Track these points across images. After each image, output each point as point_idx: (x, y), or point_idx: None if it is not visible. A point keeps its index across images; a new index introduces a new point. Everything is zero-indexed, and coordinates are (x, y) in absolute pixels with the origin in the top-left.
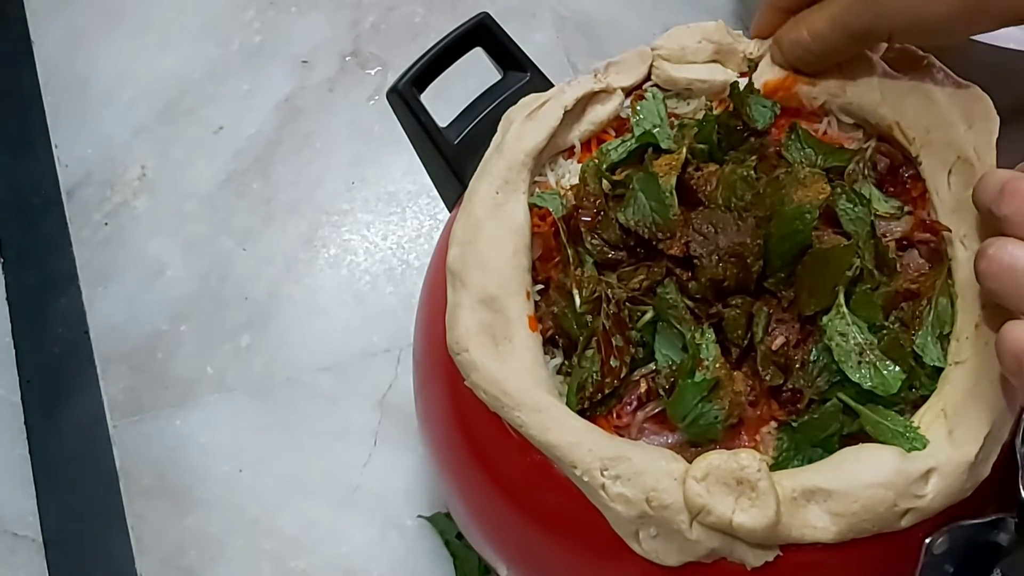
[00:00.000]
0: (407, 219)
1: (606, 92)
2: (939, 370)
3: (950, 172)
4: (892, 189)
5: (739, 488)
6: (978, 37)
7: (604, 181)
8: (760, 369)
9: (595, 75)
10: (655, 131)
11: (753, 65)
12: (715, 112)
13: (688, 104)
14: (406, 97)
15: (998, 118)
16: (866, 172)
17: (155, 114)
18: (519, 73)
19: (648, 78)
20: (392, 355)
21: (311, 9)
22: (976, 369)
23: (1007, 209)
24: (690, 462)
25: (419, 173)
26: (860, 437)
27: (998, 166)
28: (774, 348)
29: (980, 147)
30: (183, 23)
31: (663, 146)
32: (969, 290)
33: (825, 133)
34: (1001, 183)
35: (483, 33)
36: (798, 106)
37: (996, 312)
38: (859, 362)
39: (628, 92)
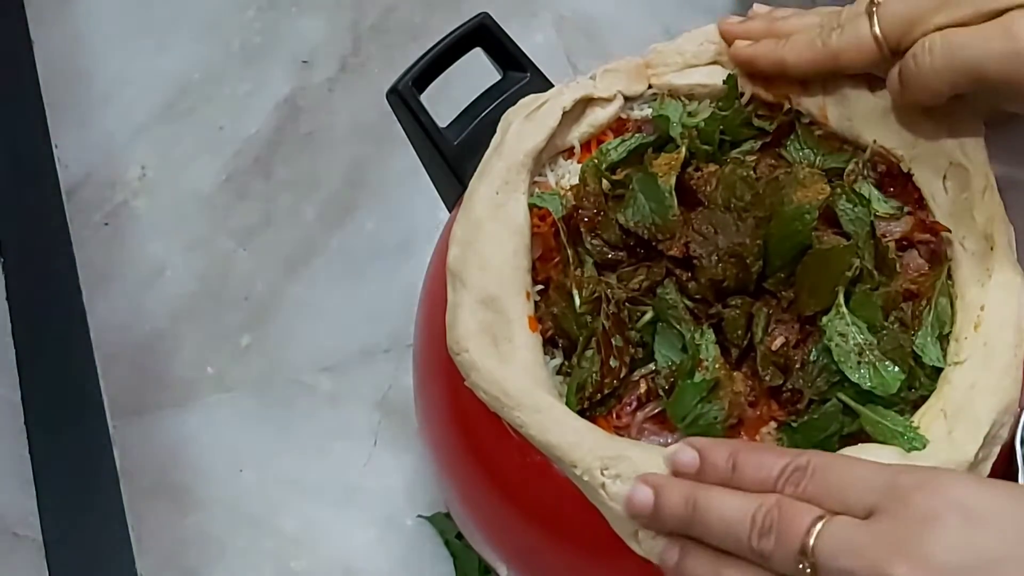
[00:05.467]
0: (407, 219)
1: (605, 98)
2: (939, 370)
3: (944, 177)
4: (892, 190)
5: None
6: None
7: (604, 181)
8: (760, 369)
9: (595, 80)
10: (673, 127)
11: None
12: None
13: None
14: (406, 97)
15: (980, 115)
16: (865, 172)
17: (155, 114)
18: (519, 73)
19: (648, 85)
20: (392, 355)
21: (311, 9)
22: (975, 369)
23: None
24: None
25: (419, 173)
26: (860, 437)
27: (1001, 166)
28: (774, 348)
29: (968, 149)
30: (183, 23)
31: (678, 144)
32: (968, 290)
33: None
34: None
35: (483, 33)
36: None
37: None
38: (859, 362)
39: (628, 98)
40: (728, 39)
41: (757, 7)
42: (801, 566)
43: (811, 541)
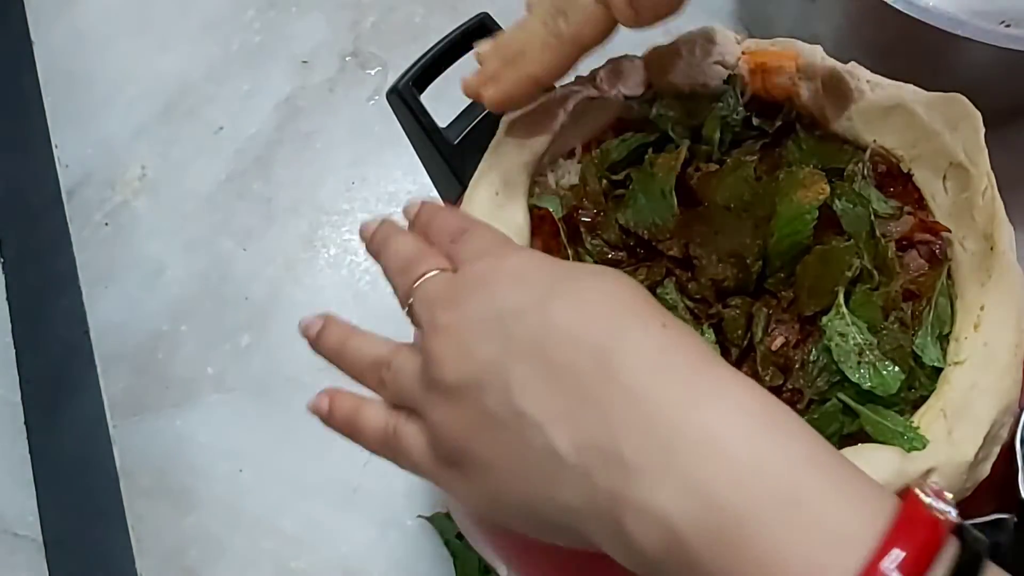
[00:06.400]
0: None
1: (605, 98)
2: (938, 370)
3: (945, 177)
4: (892, 189)
5: None
6: (978, 37)
7: (604, 181)
8: (760, 369)
9: (595, 80)
10: (673, 127)
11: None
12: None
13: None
14: (406, 97)
15: (979, 114)
16: (865, 173)
17: (155, 114)
18: None
19: (649, 85)
20: None
21: (311, 9)
22: (975, 369)
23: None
24: None
25: (419, 173)
26: (860, 437)
27: (1002, 165)
28: (774, 348)
29: (969, 149)
30: (183, 23)
31: (678, 143)
32: (968, 290)
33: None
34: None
35: (483, 33)
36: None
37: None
38: (859, 362)
39: (628, 98)
40: (476, 95)
41: (479, 48)
42: (405, 310)
43: (414, 286)
